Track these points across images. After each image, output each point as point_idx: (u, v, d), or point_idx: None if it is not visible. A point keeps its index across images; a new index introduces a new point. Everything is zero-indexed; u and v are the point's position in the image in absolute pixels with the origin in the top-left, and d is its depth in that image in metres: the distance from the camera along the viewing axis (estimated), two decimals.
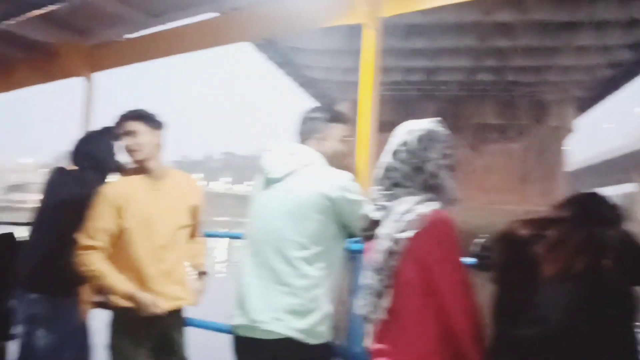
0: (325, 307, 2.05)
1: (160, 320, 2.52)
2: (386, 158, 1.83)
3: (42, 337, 2.86)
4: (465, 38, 7.30)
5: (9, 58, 5.06)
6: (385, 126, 2.53)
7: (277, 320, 2.00)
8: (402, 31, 7.28)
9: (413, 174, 1.77)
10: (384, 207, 1.78)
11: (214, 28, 3.99)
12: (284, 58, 8.67)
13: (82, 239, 2.50)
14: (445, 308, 1.65)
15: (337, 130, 2.26)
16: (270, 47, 8.24)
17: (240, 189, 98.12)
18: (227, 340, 2.22)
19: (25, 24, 2.55)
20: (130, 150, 2.57)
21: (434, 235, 1.68)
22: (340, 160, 2.25)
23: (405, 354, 1.68)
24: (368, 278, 1.76)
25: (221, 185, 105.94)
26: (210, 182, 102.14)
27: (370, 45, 3.06)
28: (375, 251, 1.74)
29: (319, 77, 9.65)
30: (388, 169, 1.81)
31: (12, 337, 3.43)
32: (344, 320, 2.52)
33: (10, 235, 3.65)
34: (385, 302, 1.71)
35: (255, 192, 2.26)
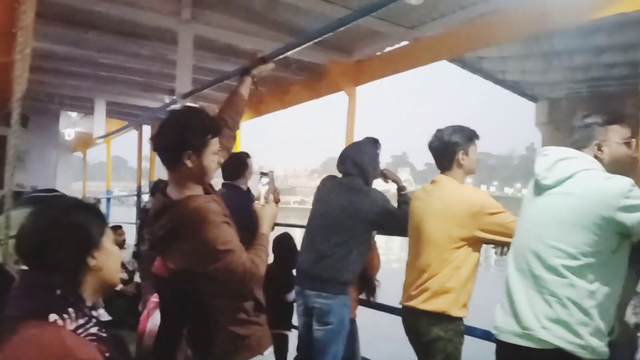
0: (598, 322, 1.90)
1: None
2: None
3: (317, 329, 3.17)
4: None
5: (285, 80, 5.77)
6: None
7: (543, 329, 1.94)
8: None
9: None
10: None
11: (468, 33, 3.93)
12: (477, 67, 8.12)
13: None
14: None
15: (616, 133, 2.08)
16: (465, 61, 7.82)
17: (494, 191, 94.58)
18: None
19: (300, 49, 2.88)
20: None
21: None
22: (625, 165, 2.07)
23: None
24: None
25: None
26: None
27: None
28: None
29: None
30: None
31: (291, 327, 3.89)
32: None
33: (289, 236, 4.12)
34: None
35: (527, 198, 2.21)
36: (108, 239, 1.40)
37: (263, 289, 2.17)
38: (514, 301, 2.07)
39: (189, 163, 1.98)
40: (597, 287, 1.91)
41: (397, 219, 3.13)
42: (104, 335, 1.30)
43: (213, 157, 2.04)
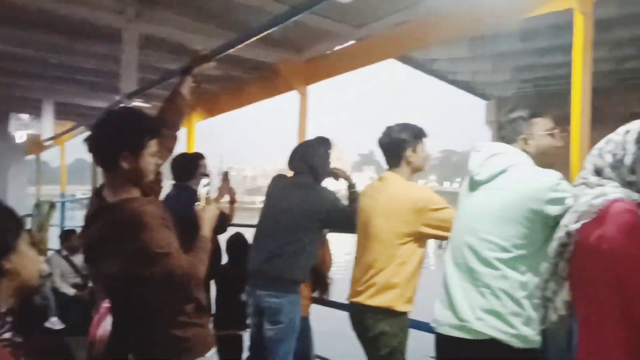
0: (530, 311, 1.95)
1: None
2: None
3: (269, 329, 3.17)
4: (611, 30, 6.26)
5: (238, 79, 5.74)
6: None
7: (478, 320, 1.99)
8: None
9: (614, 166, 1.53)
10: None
11: (415, 31, 4.00)
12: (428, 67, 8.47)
13: None
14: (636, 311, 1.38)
15: (540, 125, 2.16)
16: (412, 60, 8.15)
17: (450, 186, 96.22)
18: None
19: (250, 48, 2.87)
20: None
21: (621, 228, 1.41)
22: (549, 156, 2.15)
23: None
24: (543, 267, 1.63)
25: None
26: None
27: (581, 32, 2.83)
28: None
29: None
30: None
31: (246, 327, 3.86)
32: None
33: (242, 236, 4.11)
34: (564, 294, 1.56)
35: (462, 194, 2.26)
36: (24, 242, 1.37)
37: (217, 288, 2.15)
38: (451, 294, 2.11)
39: (125, 165, 1.96)
40: (528, 278, 1.95)
41: (347, 216, 3.16)
42: (19, 340, 1.26)
43: (151, 158, 2.02)
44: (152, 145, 2.02)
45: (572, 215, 1.52)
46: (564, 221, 1.56)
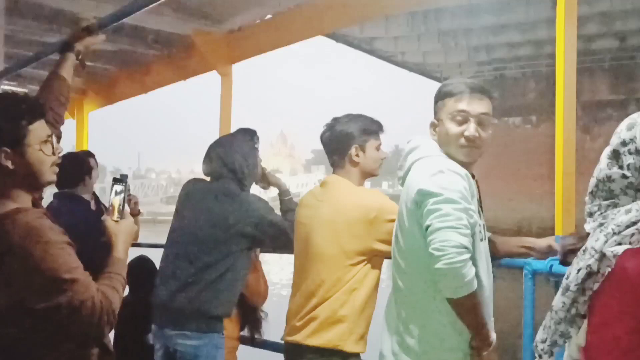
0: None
1: None
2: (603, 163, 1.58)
3: None
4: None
5: (143, 56, 5.56)
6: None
7: None
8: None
9: None
10: (597, 218, 1.55)
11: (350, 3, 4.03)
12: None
13: None
14: None
15: (445, 109, 2.27)
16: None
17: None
18: None
19: (155, 16, 2.69)
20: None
21: None
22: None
23: None
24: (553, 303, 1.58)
25: None
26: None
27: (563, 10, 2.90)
28: (569, 268, 1.55)
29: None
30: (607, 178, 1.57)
31: None
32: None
33: (145, 259, 3.88)
34: (580, 338, 1.52)
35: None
36: None
37: (116, 328, 2.14)
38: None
39: (8, 164, 1.85)
40: None
41: (281, 231, 3.08)
42: None
43: (42, 146, 1.92)
44: (37, 130, 1.91)
45: (611, 238, 1.45)
46: (591, 244, 1.50)
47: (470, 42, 7.83)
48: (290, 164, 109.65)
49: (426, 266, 2.03)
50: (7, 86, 3.91)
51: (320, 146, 2.91)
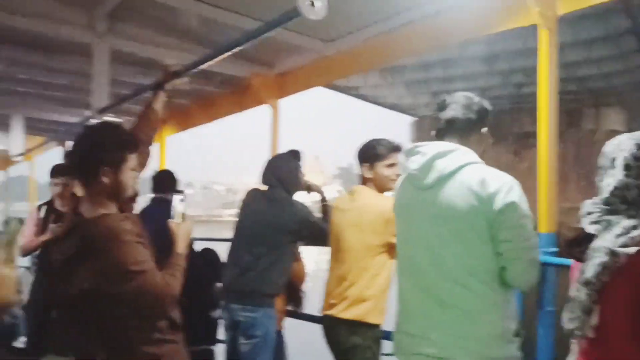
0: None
1: None
2: (616, 175, 1.59)
3: (243, 343, 3.12)
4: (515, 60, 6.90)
5: (210, 92, 5.73)
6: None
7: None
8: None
9: None
10: (604, 221, 1.57)
11: (384, 45, 4.02)
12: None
13: None
14: None
15: None
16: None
17: None
18: None
19: (221, 62, 2.86)
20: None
21: None
22: None
23: None
24: (576, 291, 1.57)
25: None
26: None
27: (546, 48, 2.85)
28: (586, 264, 1.55)
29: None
30: (618, 187, 1.57)
31: (219, 342, 3.80)
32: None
33: (212, 251, 4.06)
34: (594, 319, 1.53)
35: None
36: None
37: (187, 305, 2.12)
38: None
39: (106, 180, 1.95)
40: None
41: (319, 229, 3.15)
42: None
43: (131, 173, 2.03)
44: (132, 159, 2.03)
45: (620, 239, 1.50)
46: (603, 243, 1.52)
47: (430, 89, 8.09)
48: (322, 178, 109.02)
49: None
50: (108, 117, 4.09)
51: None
